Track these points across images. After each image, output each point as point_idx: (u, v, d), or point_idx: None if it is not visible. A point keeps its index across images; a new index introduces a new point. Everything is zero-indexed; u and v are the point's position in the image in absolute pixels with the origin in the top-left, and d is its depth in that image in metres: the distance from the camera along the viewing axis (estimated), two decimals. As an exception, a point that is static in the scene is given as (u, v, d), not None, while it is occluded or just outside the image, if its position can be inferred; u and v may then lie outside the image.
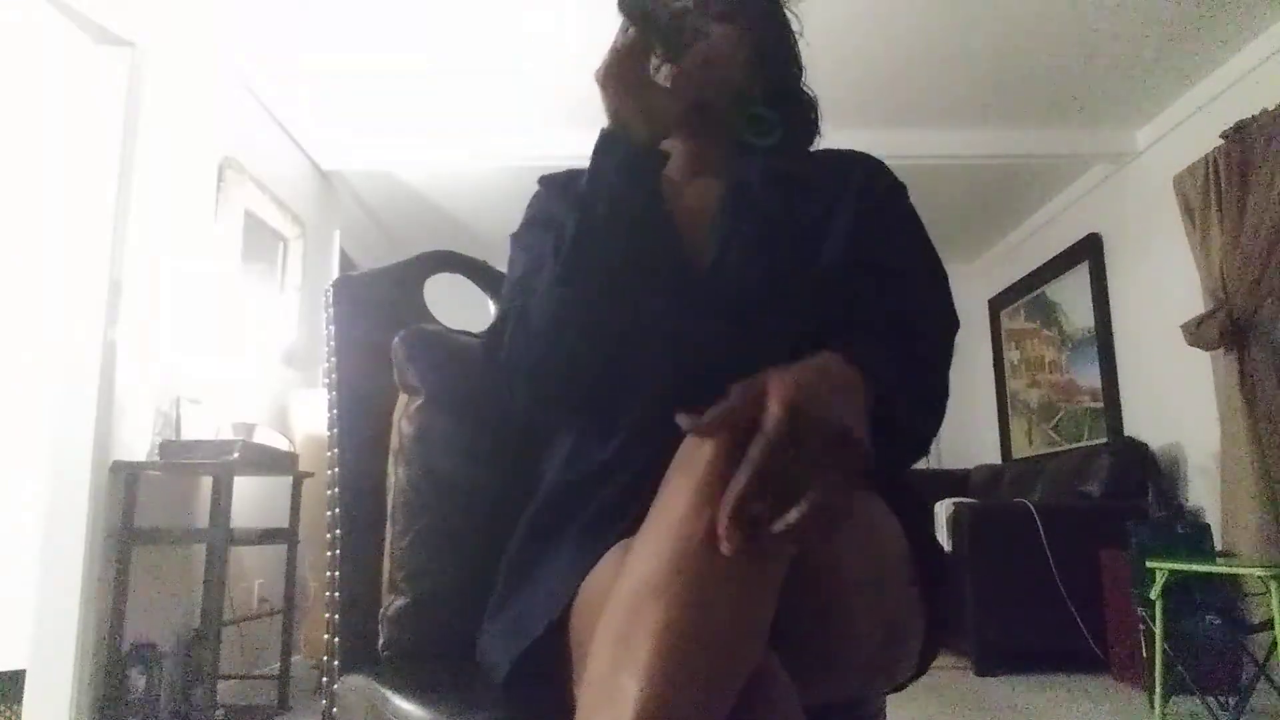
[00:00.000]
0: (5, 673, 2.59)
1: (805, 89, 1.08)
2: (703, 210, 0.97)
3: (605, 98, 0.86)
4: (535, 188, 1.09)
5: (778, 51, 1.04)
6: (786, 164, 0.99)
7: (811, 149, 1.07)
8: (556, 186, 1.06)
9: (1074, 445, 4.52)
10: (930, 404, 0.85)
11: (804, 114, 1.07)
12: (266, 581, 3.27)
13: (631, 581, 0.61)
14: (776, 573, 0.62)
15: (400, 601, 1.04)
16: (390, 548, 1.07)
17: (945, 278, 0.94)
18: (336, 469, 1.13)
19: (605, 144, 0.87)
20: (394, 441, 1.10)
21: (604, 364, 0.87)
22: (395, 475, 1.09)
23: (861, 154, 1.02)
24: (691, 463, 0.63)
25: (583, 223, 0.86)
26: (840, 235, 0.92)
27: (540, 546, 0.88)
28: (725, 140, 1.02)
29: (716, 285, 0.90)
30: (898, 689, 0.87)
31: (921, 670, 0.85)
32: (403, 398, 1.11)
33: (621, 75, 0.85)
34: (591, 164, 0.88)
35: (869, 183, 0.97)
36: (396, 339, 1.11)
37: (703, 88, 0.91)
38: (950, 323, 0.92)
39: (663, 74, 0.88)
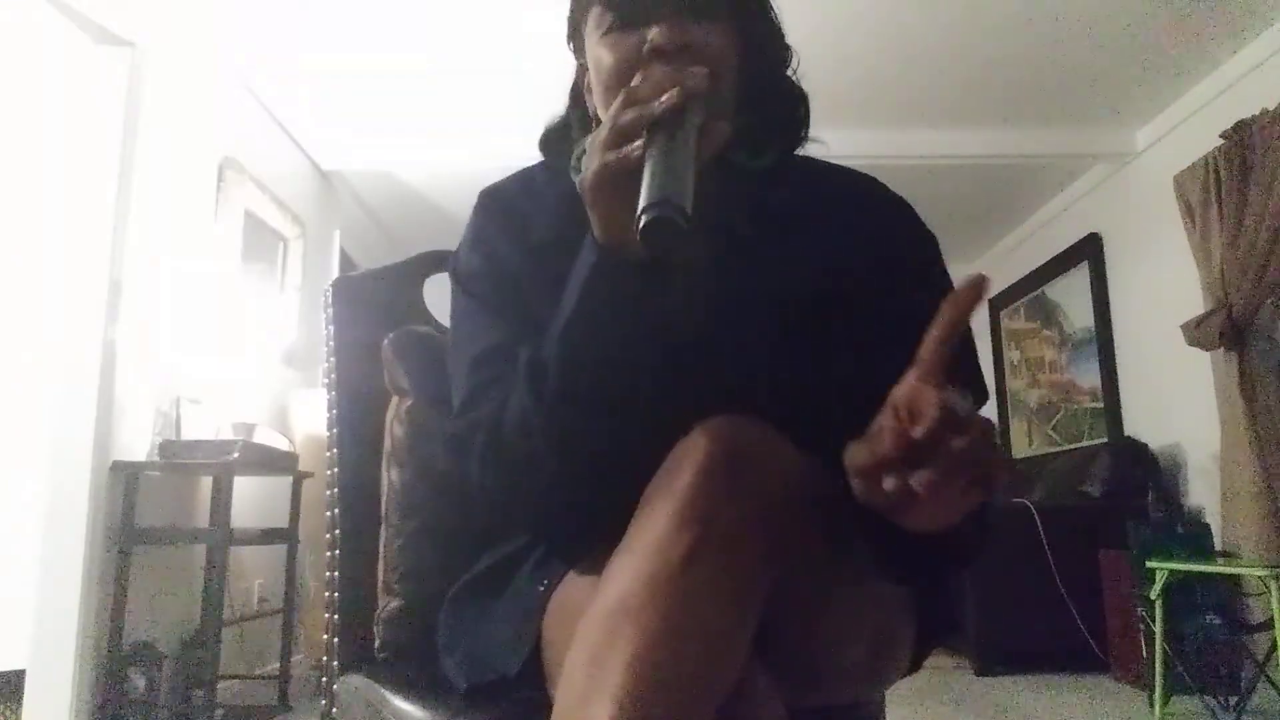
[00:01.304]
0: (5, 673, 2.59)
1: (793, 81, 0.88)
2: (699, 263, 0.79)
3: (596, 215, 0.68)
4: None
5: (768, 42, 0.85)
6: (786, 194, 0.84)
7: (803, 154, 0.91)
8: (500, 213, 0.89)
9: (1074, 445, 4.52)
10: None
11: (793, 114, 0.89)
12: (266, 581, 3.27)
13: (607, 600, 0.59)
14: (758, 593, 0.60)
15: (395, 603, 1.04)
16: (384, 549, 1.07)
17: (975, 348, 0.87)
18: (336, 469, 1.13)
19: (602, 266, 0.69)
20: (386, 443, 1.10)
21: (594, 483, 0.73)
22: (388, 477, 1.09)
23: (883, 190, 0.88)
24: (672, 484, 0.61)
25: (569, 364, 0.70)
26: (867, 301, 0.79)
27: (488, 598, 0.86)
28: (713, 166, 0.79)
29: (714, 367, 0.76)
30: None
31: (913, 669, 0.84)
32: (394, 399, 1.12)
33: (617, 190, 0.65)
34: (582, 291, 0.70)
35: (906, 248, 0.85)
36: (386, 341, 1.11)
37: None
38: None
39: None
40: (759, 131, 0.83)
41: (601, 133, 0.67)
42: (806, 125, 0.89)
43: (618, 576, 0.60)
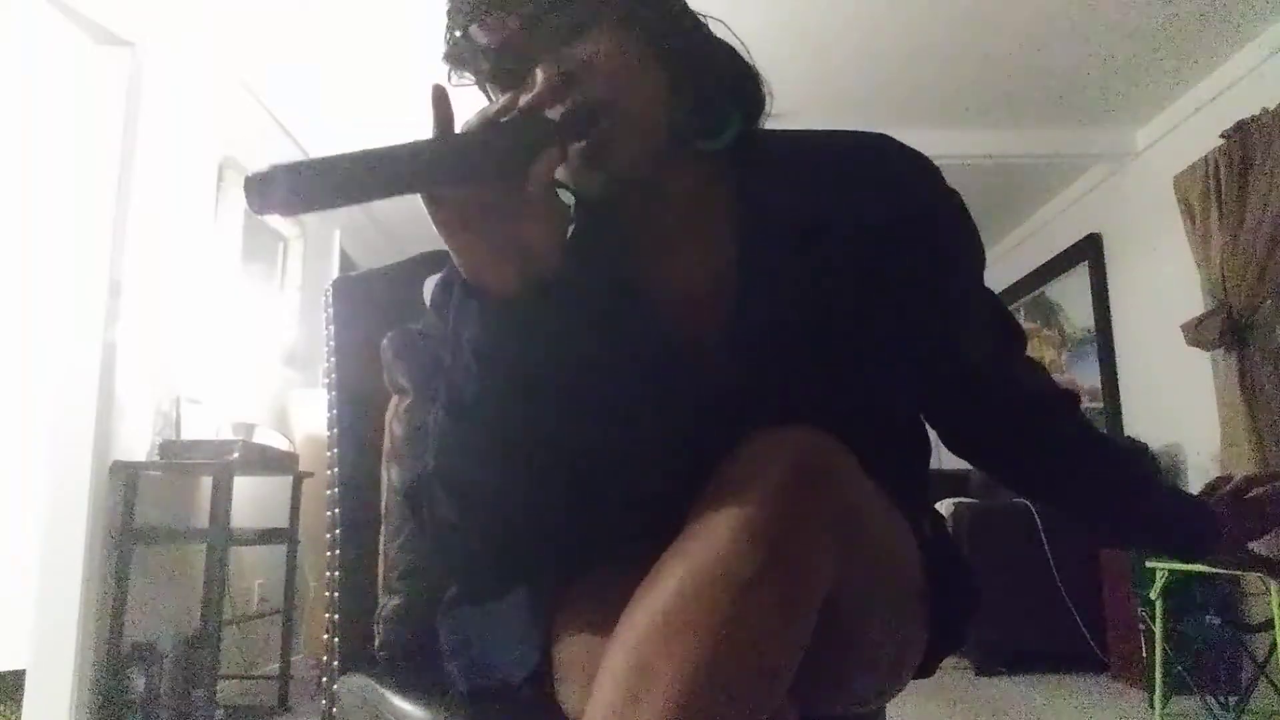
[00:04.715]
0: (5, 673, 2.59)
1: (726, 45, 0.80)
2: (701, 287, 0.77)
3: (448, 244, 0.68)
4: None
5: (669, 18, 0.76)
6: (798, 189, 0.79)
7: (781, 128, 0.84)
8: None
9: (1074, 445, 4.51)
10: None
11: (739, 79, 0.80)
12: (266, 581, 3.27)
13: (660, 605, 0.57)
14: (814, 613, 0.59)
15: (395, 602, 1.04)
16: (384, 548, 1.07)
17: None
18: (336, 469, 1.13)
19: (461, 307, 0.69)
20: (385, 442, 1.10)
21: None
22: (388, 476, 1.09)
23: (895, 149, 0.86)
24: (742, 495, 0.59)
25: (468, 387, 0.70)
26: (896, 283, 0.79)
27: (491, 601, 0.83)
28: (679, 164, 0.77)
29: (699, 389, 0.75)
30: None
31: (923, 675, 0.84)
32: (393, 398, 1.11)
33: (465, 215, 0.66)
34: (455, 326, 0.70)
35: (926, 211, 0.85)
36: (385, 340, 1.11)
37: (616, 154, 0.70)
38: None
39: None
40: (707, 109, 0.77)
41: None
42: (761, 87, 0.81)
43: (673, 583, 0.58)
